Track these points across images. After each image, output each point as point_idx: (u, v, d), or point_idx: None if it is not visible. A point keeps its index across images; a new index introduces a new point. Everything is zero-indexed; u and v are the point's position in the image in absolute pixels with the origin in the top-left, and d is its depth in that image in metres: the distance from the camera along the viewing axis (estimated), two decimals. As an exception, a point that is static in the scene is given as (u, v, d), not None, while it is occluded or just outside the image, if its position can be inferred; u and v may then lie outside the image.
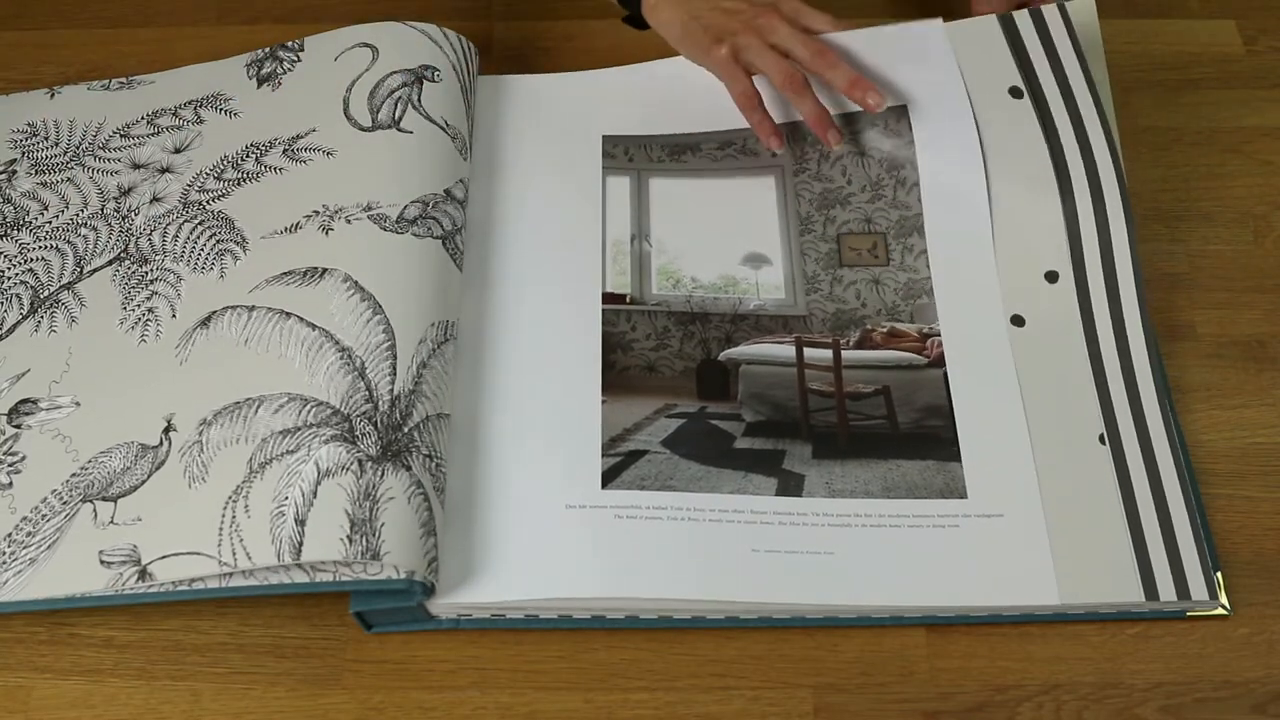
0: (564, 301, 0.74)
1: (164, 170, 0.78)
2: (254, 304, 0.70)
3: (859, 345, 0.73)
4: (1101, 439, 0.68)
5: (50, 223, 0.76)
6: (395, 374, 0.66)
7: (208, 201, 0.75)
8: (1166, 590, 0.64)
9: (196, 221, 0.74)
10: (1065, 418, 0.69)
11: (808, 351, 0.72)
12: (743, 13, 0.76)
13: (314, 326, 0.68)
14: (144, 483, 0.65)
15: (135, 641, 0.66)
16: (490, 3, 0.91)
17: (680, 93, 0.81)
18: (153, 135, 0.80)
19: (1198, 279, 0.77)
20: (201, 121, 0.80)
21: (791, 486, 0.67)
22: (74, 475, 0.66)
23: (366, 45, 0.79)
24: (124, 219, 0.76)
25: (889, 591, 0.64)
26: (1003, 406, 0.69)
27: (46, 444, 0.68)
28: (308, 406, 0.65)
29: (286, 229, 0.73)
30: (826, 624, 0.65)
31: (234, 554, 0.61)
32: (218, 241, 0.73)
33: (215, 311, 0.70)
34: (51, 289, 0.73)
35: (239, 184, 0.76)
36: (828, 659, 0.64)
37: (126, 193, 0.77)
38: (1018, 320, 0.72)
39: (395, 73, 0.77)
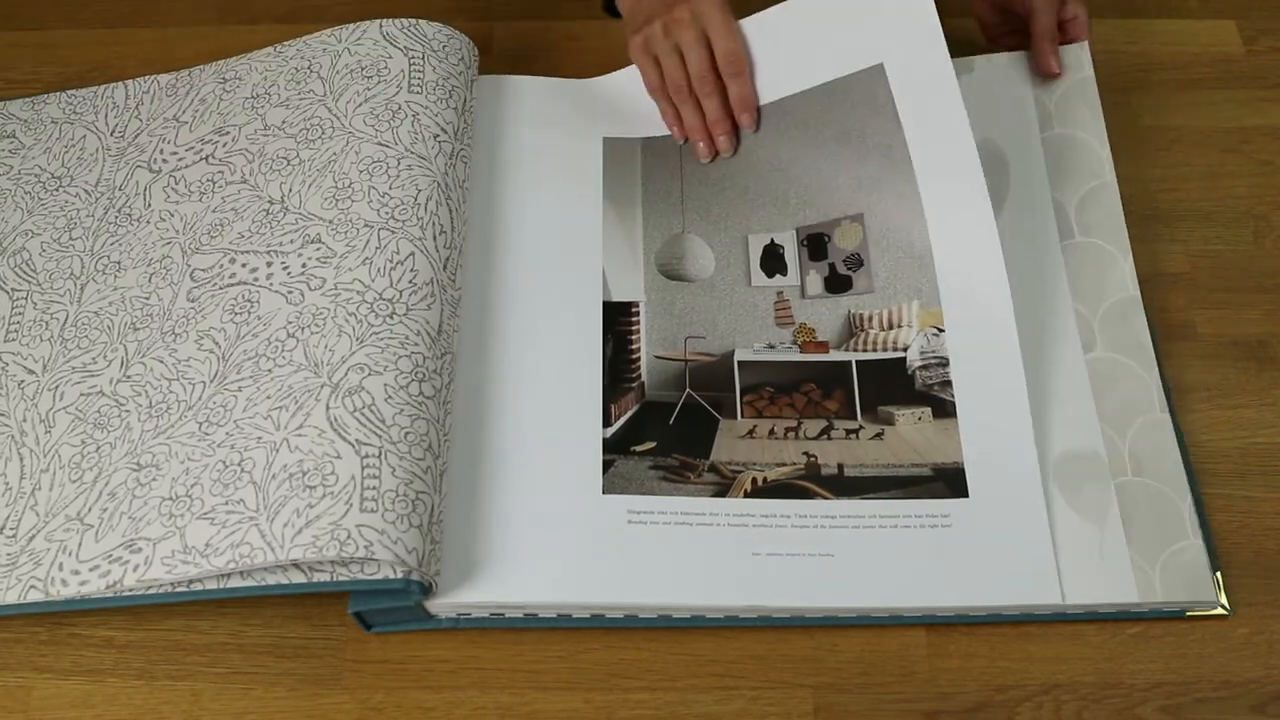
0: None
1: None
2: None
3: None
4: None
5: None
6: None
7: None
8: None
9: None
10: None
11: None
12: (669, 4, 0.77)
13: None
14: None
15: (135, 641, 0.66)
16: (490, 3, 0.91)
17: None
18: None
19: (1198, 279, 0.77)
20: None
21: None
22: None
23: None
24: None
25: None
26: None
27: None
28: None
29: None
30: (826, 624, 0.65)
31: (233, 554, 0.61)
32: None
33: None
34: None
35: None
36: (828, 659, 0.64)
37: None
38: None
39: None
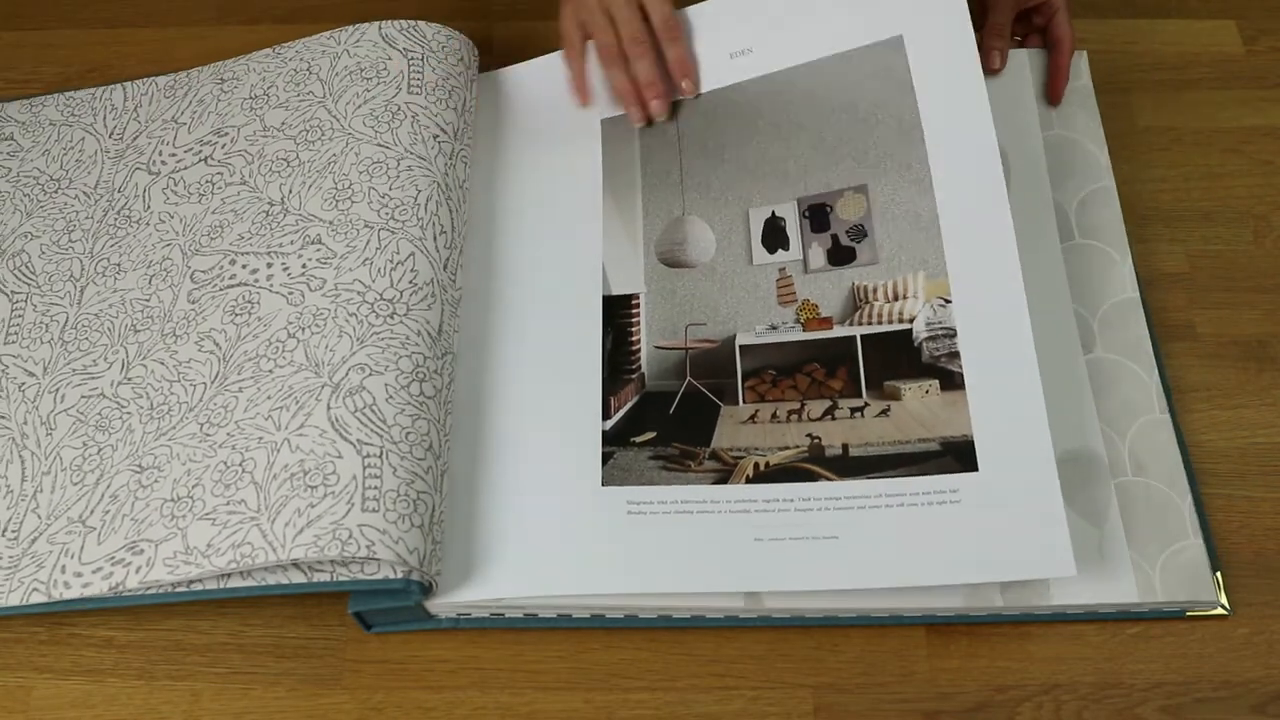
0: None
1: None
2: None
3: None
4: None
5: None
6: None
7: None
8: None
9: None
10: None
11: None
12: None
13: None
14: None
15: (135, 641, 0.66)
16: (490, 3, 0.91)
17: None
18: None
19: (1198, 279, 0.77)
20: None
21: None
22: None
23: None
24: None
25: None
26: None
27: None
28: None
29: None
30: (826, 624, 0.65)
31: (233, 554, 0.61)
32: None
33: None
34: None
35: None
36: (828, 659, 0.64)
37: None
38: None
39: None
